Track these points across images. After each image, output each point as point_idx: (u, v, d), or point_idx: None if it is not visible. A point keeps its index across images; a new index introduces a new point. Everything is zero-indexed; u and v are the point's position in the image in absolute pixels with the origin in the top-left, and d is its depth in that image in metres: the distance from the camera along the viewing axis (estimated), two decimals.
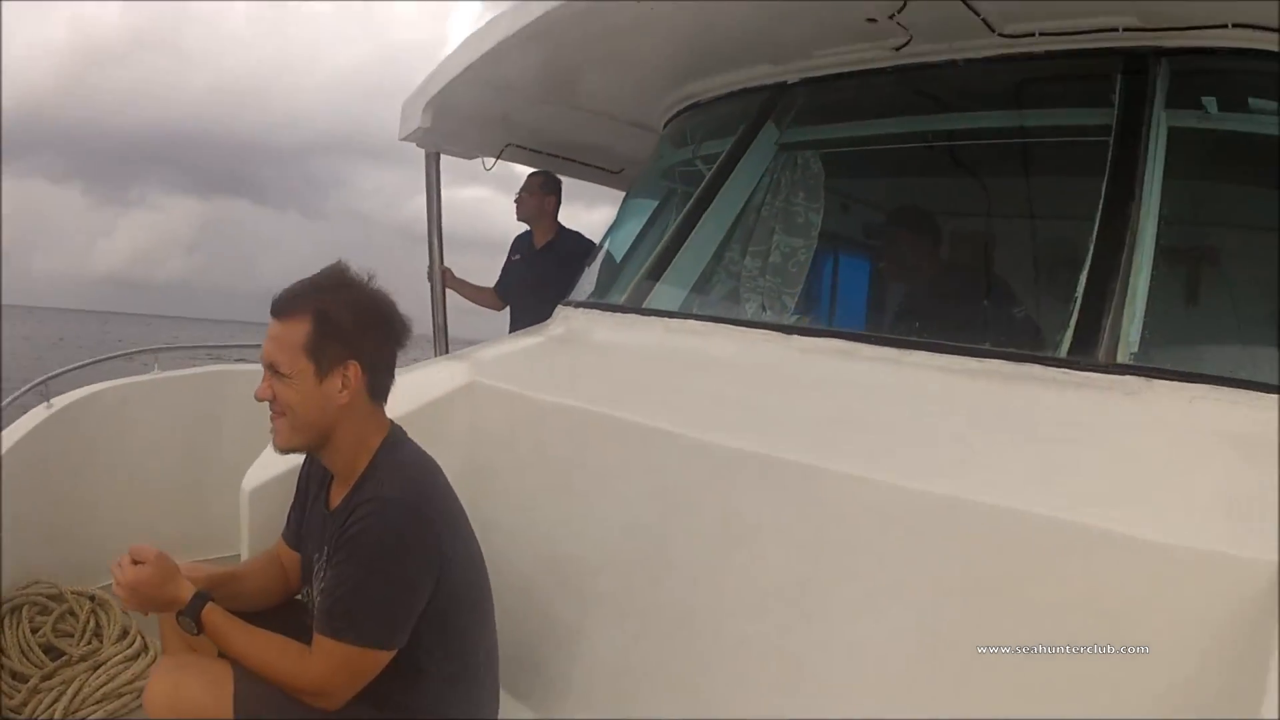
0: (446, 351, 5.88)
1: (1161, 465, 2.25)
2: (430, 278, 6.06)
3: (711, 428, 2.71)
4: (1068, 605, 1.99)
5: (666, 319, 3.53)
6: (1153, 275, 2.63)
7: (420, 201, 5.92)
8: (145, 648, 3.45)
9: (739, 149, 3.83)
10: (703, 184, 3.85)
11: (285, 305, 2.36)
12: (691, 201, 3.84)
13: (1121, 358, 2.51)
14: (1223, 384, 2.36)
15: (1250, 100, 2.98)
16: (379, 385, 2.45)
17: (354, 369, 2.35)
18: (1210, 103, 3.01)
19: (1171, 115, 2.86)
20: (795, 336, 3.12)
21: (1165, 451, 2.29)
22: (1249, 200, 3.24)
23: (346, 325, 2.34)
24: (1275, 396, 2.29)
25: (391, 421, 2.51)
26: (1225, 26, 2.80)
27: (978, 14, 3.05)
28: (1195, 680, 1.82)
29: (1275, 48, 2.77)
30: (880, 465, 2.36)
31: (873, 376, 2.83)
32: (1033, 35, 3.12)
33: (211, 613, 2.28)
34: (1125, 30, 2.96)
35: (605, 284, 4.26)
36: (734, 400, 2.95)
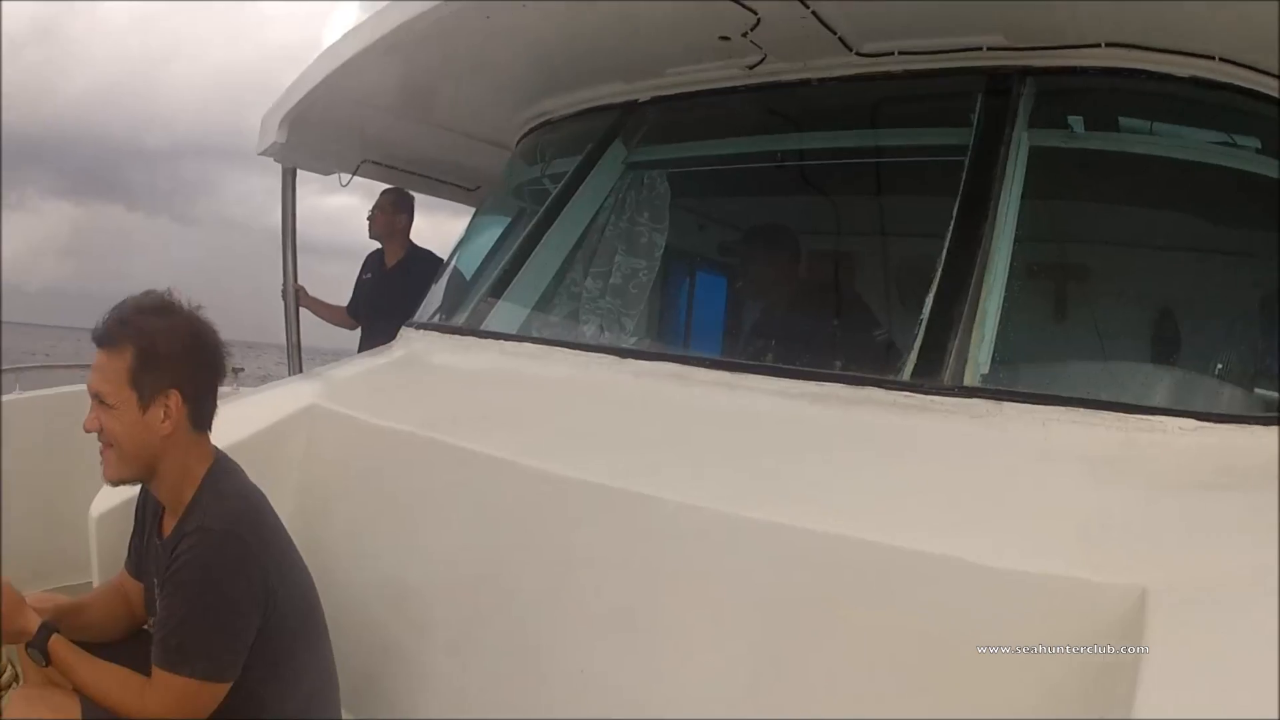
0: (301, 370, 5.85)
1: (1010, 489, 2.20)
2: (284, 296, 5.96)
3: (542, 454, 2.64)
4: (910, 635, 1.93)
5: (503, 341, 3.44)
6: (1009, 296, 2.59)
7: None
8: (16, 677, 3.33)
9: (585, 167, 3.77)
10: (547, 203, 3.78)
11: (107, 335, 2.33)
12: (535, 220, 3.77)
13: (969, 380, 2.47)
14: (1078, 405, 2.32)
15: (1120, 120, 2.99)
16: (201, 415, 2.43)
17: (175, 399, 2.33)
18: (1077, 122, 3.01)
19: (1034, 135, 2.84)
20: (630, 360, 3.04)
21: (1014, 475, 2.25)
22: (1118, 219, 3.25)
23: (168, 355, 2.31)
24: (1133, 416, 2.27)
25: (217, 450, 2.48)
26: (1098, 46, 2.80)
27: (834, 32, 3.01)
28: (1055, 710, 1.77)
29: (1149, 67, 2.79)
30: (712, 493, 2.30)
31: (707, 401, 2.76)
32: (891, 55, 3.09)
33: (57, 644, 2.28)
34: (989, 50, 2.95)
35: (451, 304, 4.14)
36: (565, 426, 2.87)
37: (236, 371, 6.70)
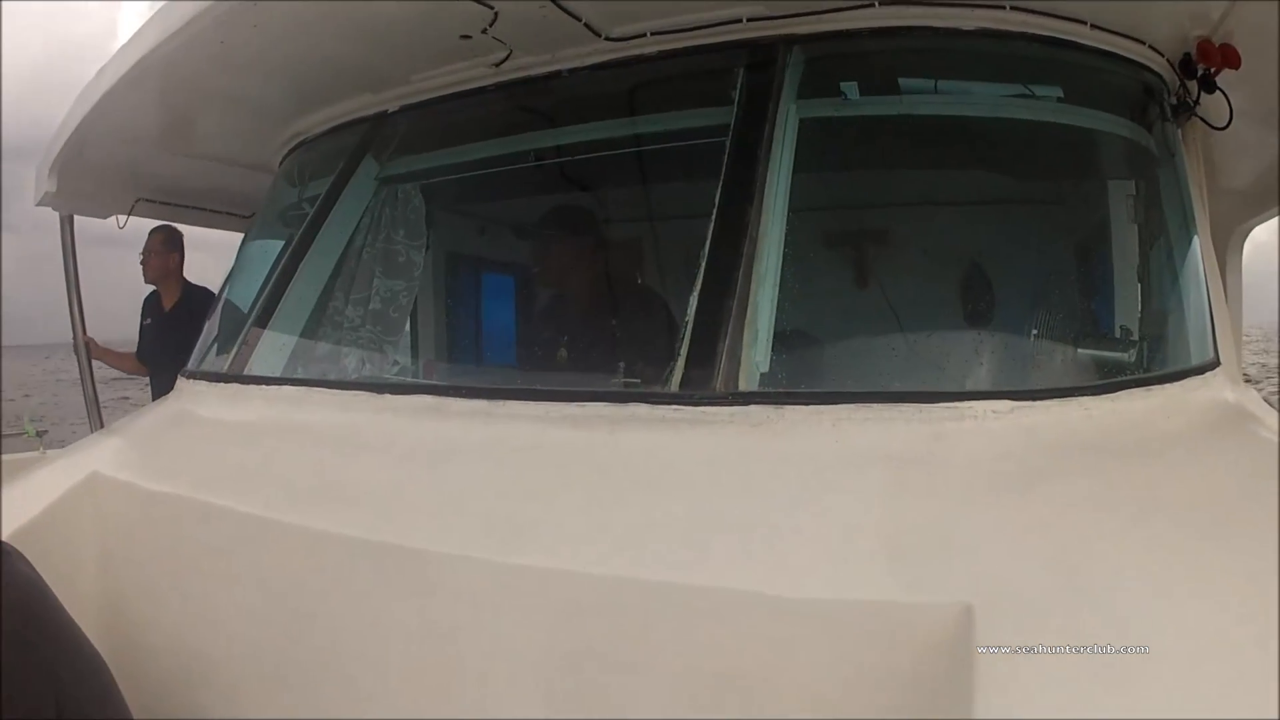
0: (102, 425, 5.62)
1: (802, 506, 1.95)
2: (76, 350, 5.70)
3: (306, 511, 2.43)
4: (714, 681, 1.74)
5: (265, 386, 3.21)
6: (786, 285, 2.37)
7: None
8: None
9: (337, 187, 3.54)
10: (302, 228, 3.53)
11: None
12: (291, 247, 3.52)
13: (745, 385, 2.23)
14: (871, 400, 2.10)
15: (901, 81, 2.81)
16: None
17: None
18: (851, 88, 2.81)
19: (803, 106, 2.63)
20: (386, 395, 2.82)
21: (805, 489, 2.00)
22: (907, 186, 3.12)
23: None
24: (938, 405, 2.06)
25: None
26: (870, 5, 2.59)
27: (578, 19, 2.79)
28: None
29: (930, 23, 2.61)
30: (478, 541, 2.09)
31: (464, 435, 2.53)
32: (644, 36, 2.88)
33: None
34: (750, 21, 2.73)
35: (223, 343, 3.88)
36: (327, 477, 2.63)
37: (40, 435, 6.43)
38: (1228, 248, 6.26)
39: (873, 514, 1.90)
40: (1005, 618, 1.51)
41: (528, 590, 1.96)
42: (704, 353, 2.30)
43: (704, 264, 2.42)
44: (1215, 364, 2.56)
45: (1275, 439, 2.29)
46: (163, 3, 3.44)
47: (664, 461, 2.18)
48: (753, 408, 2.17)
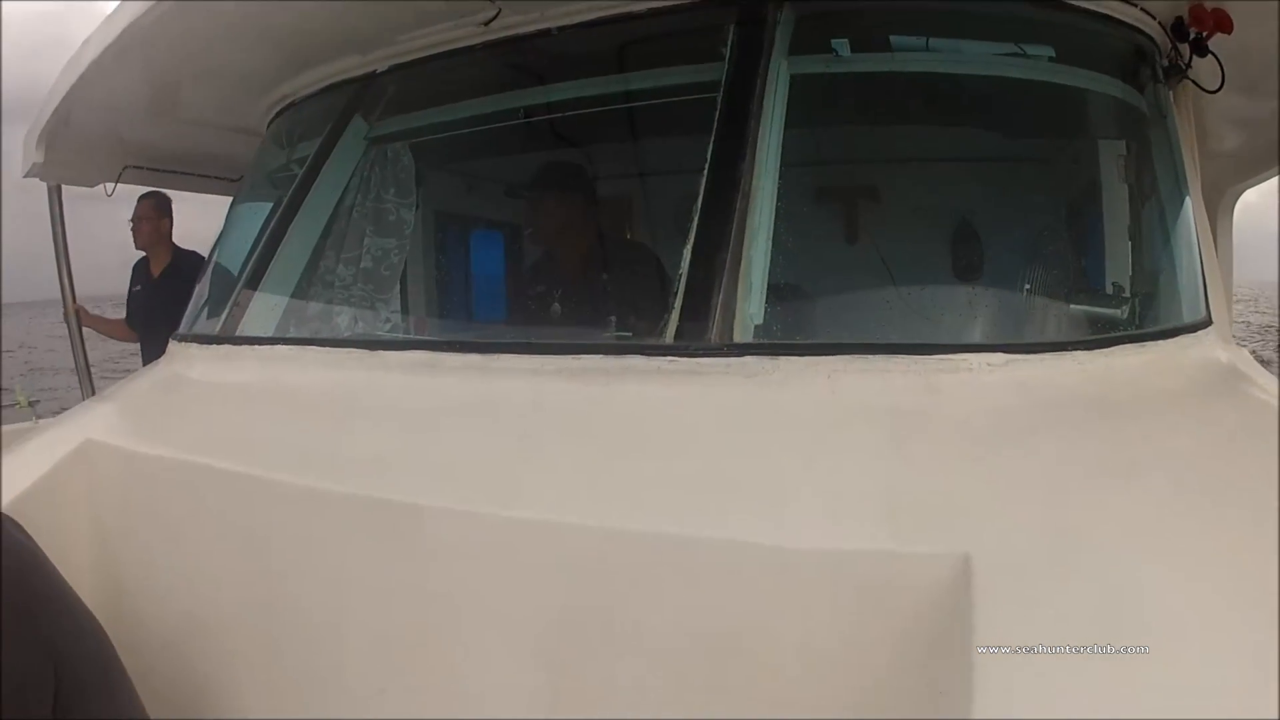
0: (93, 392, 5.67)
1: (798, 457, 1.96)
2: (66, 318, 5.74)
3: (301, 469, 2.42)
4: (711, 634, 1.75)
5: (258, 346, 3.20)
6: (780, 237, 2.37)
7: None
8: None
9: (326, 148, 3.51)
10: (291, 189, 3.52)
11: None
12: (281, 209, 3.50)
13: (739, 336, 2.22)
14: (867, 351, 2.10)
15: (891, 39, 2.79)
16: None
17: None
18: (842, 45, 2.79)
19: (794, 63, 2.61)
20: (380, 352, 2.82)
21: (801, 440, 2.01)
22: (900, 141, 3.12)
23: None
24: (932, 358, 2.07)
25: None
26: None
27: None
28: (882, 706, 1.59)
29: None
30: (471, 494, 2.09)
31: (460, 390, 2.52)
32: None
33: None
34: None
35: (214, 306, 3.85)
36: (325, 436, 2.64)
37: (33, 404, 6.39)
38: (1218, 210, 6.28)
39: (869, 466, 1.90)
40: (1004, 567, 1.52)
41: (525, 544, 1.97)
42: (698, 304, 2.29)
43: (697, 217, 2.41)
44: (1207, 322, 2.59)
45: (1268, 399, 2.31)
46: None
47: (660, 413, 2.18)
48: (748, 359, 2.16)
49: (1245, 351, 2.72)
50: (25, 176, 5.09)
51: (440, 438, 2.39)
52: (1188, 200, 2.85)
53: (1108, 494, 1.76)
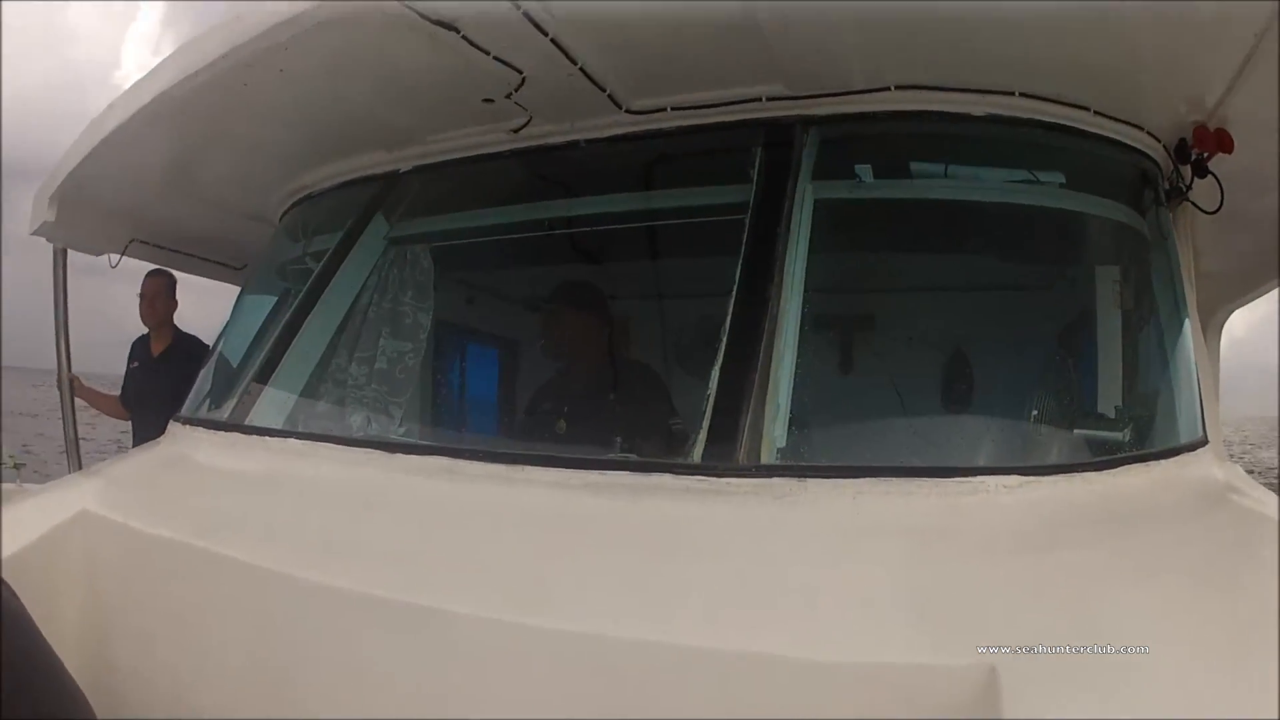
0: (80, 466, 5.42)
1: (828, 573, 2.00)
2: (59, 386, 5.55)
3: (317, 566, 2.39)
4: None
5: (268, 438, 3.18)
6: (803, 362, 2.43)
7: None
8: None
9: (346, 244, 3.53)
10: (309, 283, 3.52)
11: None
12: (297, 303, 3.51)
13: (766, 457, 2.28)
14: (890, 474, 2.16)
15: (913, 165, 2.89)
16: None
17: None
18: (865, 170, 2.89)
19: (819, 187, 2.69)
20: (399, 455, 2.81)
21: (830, 557, 2.05)
22: (916, 269, 3.16)
23: None
24: (951, 480, 2.14)
25: None
26: (887, 89, 2.68)
27: (603, 89, 2.84)
28: None
29: (943, 108, 2.69)
30: (497, 602, 2.08)
31: (482, 498, 2.52)
32: (664, 111, 2.94)
33: None
34: (769, 100, 2.81)
35: (218, 393, 3.85)
36: (339, 533, 2.60)
37: (19, 467, 6.32)
38: (1207, 330, 6.37)
39: (896, 580, 1.95)
40: (1029, 678, 1.56)
41: (552, 653, 1.97)
42: (726, 425, 2.34)
43: (725, 339, 2.47)
44: (1204, 442, 2.66)
45: (1265, 511, 2.37)
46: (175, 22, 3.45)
47: (688, 529, 2.21)
48: (776, 480, 2.20)
49: (1239, 467, 2.79)
50: (33, 234, 4.96)
51: (461, 542, 2.39)
52: (1186, 322, 2.92)
53: (1123, 601, 1.82)
